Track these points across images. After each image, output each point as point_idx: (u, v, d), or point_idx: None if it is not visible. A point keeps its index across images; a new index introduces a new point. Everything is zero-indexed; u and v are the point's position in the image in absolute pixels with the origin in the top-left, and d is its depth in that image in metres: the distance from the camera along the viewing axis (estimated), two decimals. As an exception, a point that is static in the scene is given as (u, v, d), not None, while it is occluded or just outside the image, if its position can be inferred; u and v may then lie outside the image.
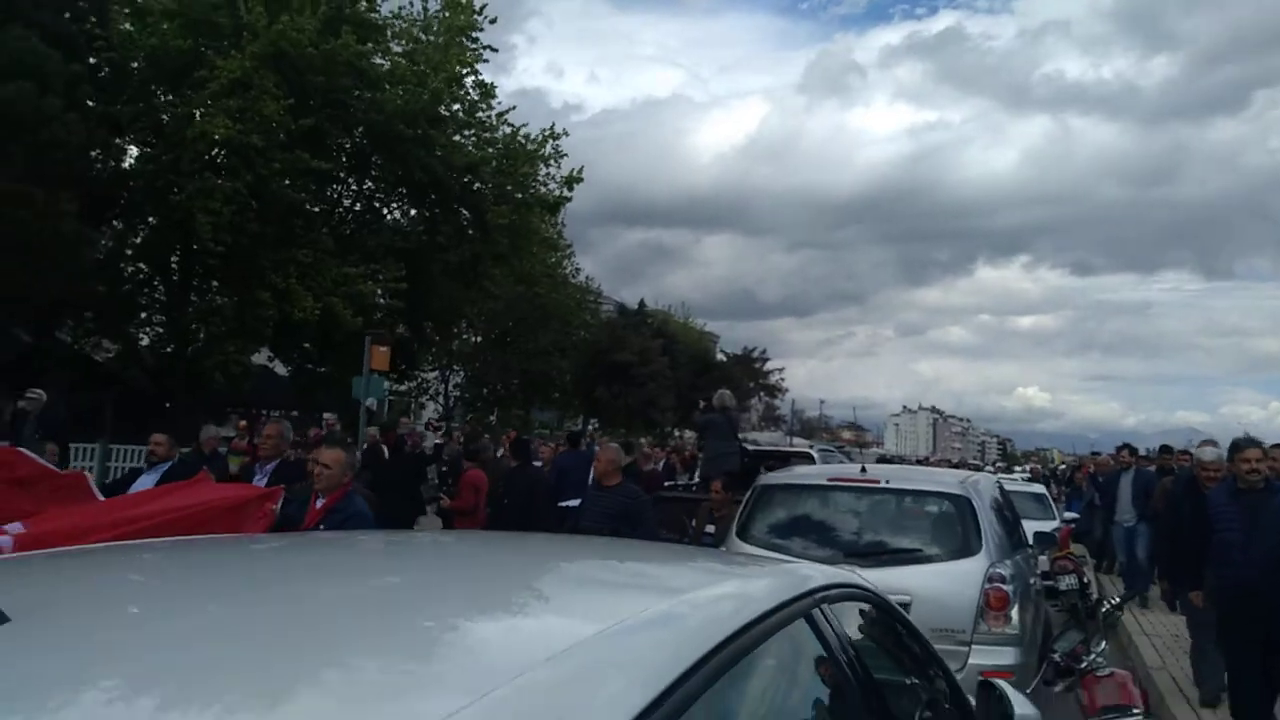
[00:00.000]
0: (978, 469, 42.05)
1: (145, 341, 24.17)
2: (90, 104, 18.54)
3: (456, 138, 24.05)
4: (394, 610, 1.52)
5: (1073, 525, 12.44)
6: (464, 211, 24.44)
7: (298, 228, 21.20)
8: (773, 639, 1.63)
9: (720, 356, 49.91)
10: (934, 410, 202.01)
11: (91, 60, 19.14)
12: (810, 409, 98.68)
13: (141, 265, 22.40)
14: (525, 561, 2.24)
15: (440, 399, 35.80)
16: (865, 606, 2.32)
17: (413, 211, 25.53)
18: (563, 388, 36.32)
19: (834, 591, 2.04)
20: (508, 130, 24.87)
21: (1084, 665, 4.17)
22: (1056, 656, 4.20)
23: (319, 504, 5.02)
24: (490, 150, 24.28)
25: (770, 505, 6.19)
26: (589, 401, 38.60)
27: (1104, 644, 4.35)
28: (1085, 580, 10.59)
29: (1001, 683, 2.51)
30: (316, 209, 23.55)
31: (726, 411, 11.21)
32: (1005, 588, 5.34)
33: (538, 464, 11.77)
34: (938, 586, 5.40)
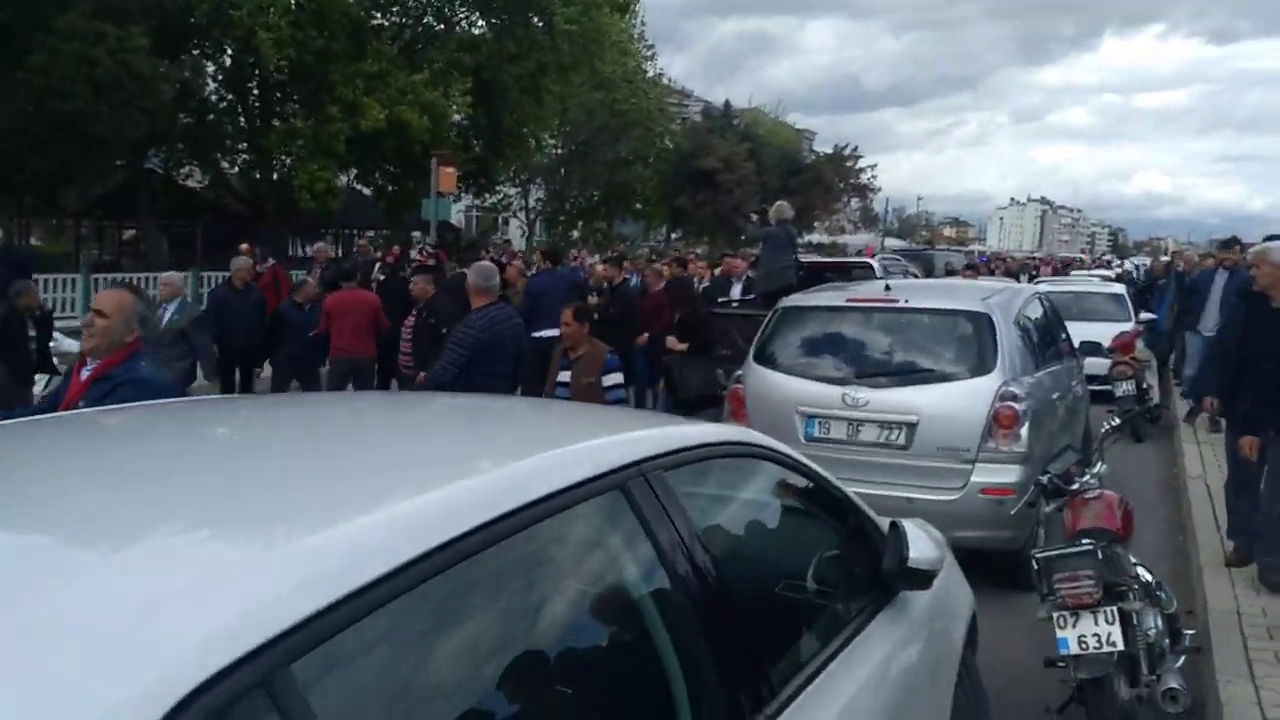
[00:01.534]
0: (1079, 263, 40.44)
1: (235, 169, 24.89)
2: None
3: None
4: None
5: (1141, 329, 12.03)
6: (534, 18, 23.68)
7: (363, 42, 21.01)
8: (552, 521, 1.56)
9: (809, 157, 48.24)
10: (1043, 201, 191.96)
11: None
12: (910, 206, 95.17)
13: (223, 93, 22.75)
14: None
15: (522, 214, 35.97)
16: (751, 462, 2.39)
17: (481, 22, 24.85)
18: (645, 198, 35.92)
19: (678, 456, 1.95)
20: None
21: (1075, 486, 4.17)
22: (1044, 479, 4.22)
23: (84, 373, 3.55)
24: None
25: (789, 328, 6.18)
26: (672, 211, 38.21)
27: (1102, 465, 4.33)
28: (1146, 386, 10.37)
29: (907, 523, 2.60)
30: (384, 23, 23.20)
31: (784, 224, 10.99)
32: (1016, 406, 5.32)
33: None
34: (947, 405, 5.44)
